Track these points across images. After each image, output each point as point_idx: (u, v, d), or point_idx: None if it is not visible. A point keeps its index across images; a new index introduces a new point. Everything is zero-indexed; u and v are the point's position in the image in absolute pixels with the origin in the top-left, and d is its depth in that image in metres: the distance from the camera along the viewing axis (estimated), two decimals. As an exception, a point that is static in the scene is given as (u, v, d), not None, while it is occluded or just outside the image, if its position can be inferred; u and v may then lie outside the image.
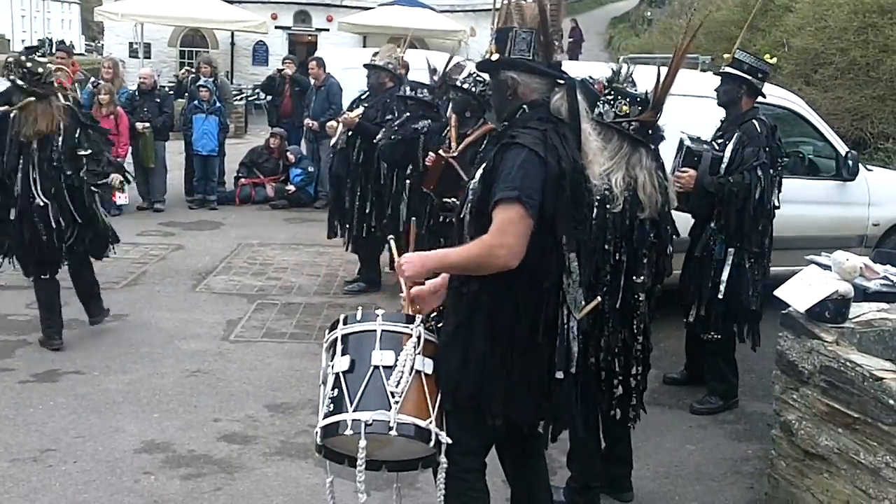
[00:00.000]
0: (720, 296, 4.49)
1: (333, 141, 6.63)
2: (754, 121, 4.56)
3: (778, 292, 3.62)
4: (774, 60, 5.04)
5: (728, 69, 4.68)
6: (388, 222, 6.05)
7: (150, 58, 19.60)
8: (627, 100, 3.48)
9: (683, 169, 4.49)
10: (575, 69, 3.15)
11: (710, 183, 4.44)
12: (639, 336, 3.49)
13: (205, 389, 4.74)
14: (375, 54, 6.66)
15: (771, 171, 4.48)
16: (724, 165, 4.48)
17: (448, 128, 5.23)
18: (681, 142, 4.65)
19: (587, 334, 2.87)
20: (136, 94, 9.69)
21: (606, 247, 3.36)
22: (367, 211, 6.40)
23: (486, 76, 4.59)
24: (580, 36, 24.40)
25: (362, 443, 2.46)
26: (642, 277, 3.44)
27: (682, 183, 4.44)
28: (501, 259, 2.40)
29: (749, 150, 4.45)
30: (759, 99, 4.75)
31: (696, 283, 4.61)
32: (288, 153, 10.46)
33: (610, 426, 3.54)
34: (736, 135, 4.52)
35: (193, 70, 11.10)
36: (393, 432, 2.46)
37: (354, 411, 2.48)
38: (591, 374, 3.31)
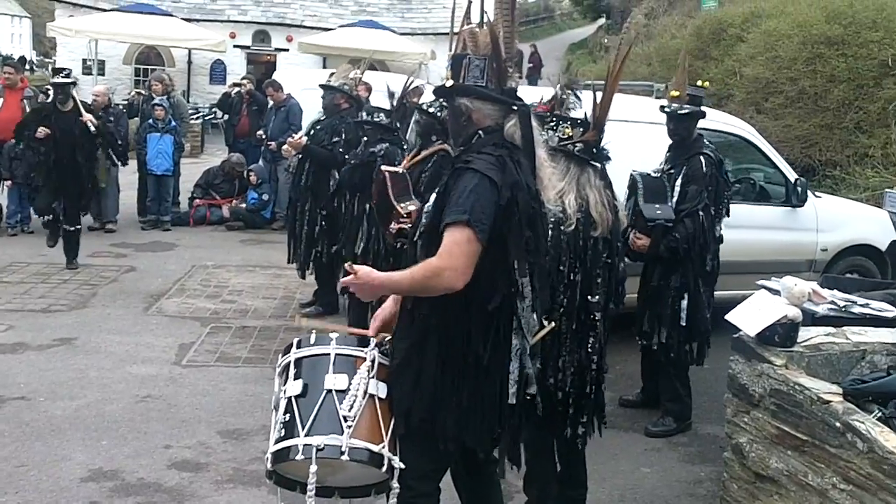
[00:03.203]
0: (682, 322, 4.59)
1: (287, 163, 6.60)
2: (701, 157, 4.65)
3: (729, 317, 3.68)
4: (707, 84, 5.20)
5: (689, 108, 4.73)
6: (345, 246, 6.00)
7: (104, 75, 19.21)
8: (569, 123, 3.63)
9: (639, 236, 4.64)
10: (530, 94, 3.24)
11: (664, 251, 4.59)
12: (594, 356, 3.51)
13: (155, 415, 4.63)
14: (332, 75, 6.66)
15: (713, 209, 4.62)
16: (673, 199, 4.64)
17: (410, 150, 5.22)
18: (633, 180, 4.74)
19: (545, 356, 2.88)
20: (89, 112, 9.50)
21: (561, 268, 3.40)
22: (315, 235, 6.34)
23: None
24: (539, 61, 24.74)
25: (313, 468, 2.43)
26: (597, 297, 3.49)
27: (637, 248, 4.65)
28: (447, 281, 2.41)
29: (693, 189, 4.61)
30: (713, 127, 4.86)
31: (656, 312, 4.69)
32: (251, 174, 10.28)
33: (564, 449, 3.55)
34: (683, 170, 4.66)
35: (144, 91, 10.88)
36: (345, 457, 2.43)
37: (306, 436, 2.45)
38: (547, 395, 3.32)
